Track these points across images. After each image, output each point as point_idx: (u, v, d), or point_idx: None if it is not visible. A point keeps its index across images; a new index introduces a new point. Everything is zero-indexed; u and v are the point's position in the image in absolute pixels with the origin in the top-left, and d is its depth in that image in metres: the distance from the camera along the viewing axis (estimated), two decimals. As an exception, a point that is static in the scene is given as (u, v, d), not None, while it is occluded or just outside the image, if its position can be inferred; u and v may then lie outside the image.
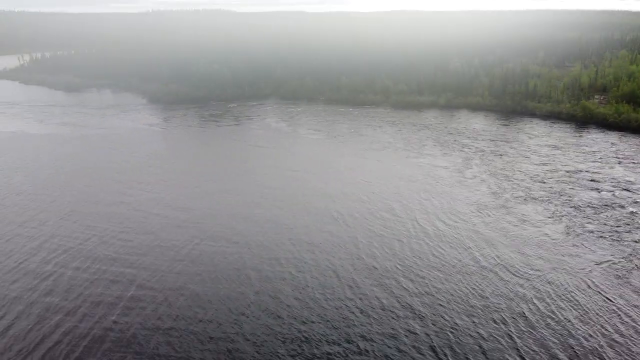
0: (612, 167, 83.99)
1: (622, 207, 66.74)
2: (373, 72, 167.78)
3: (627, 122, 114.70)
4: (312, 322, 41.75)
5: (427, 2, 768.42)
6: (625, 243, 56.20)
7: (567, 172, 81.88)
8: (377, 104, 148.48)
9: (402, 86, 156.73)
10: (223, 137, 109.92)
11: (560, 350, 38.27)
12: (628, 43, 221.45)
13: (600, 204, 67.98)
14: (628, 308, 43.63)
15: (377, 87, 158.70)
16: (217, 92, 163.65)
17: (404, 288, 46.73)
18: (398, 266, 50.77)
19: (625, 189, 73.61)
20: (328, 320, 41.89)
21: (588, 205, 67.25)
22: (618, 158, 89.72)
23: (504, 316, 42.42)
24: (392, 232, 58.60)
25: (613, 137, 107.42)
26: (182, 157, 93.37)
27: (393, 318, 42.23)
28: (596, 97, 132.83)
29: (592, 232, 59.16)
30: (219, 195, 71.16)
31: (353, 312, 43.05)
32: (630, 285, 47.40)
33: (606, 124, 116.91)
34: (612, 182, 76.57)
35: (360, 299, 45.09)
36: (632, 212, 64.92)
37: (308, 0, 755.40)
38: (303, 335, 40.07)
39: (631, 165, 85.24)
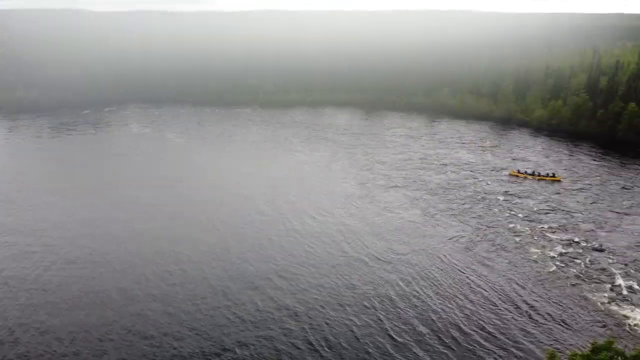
0: (457, 152, 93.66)
1: (465, 186, 74.93)
2: (241, 72, 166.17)
3: (470, 111, 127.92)
4: (186, 336, 40.01)
5: (291, 2, 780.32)
6: (471, 218, 62.68)
7: (421, 158, 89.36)
8: (245, 104, 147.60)
9: (268, 85, 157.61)
10: (78, 147, 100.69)
11: (424, 326, 41.08)
12: (469, 40, 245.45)
13: (448, 185, 75.23)
14: (476, 277, 48.40)
15: (244, 87, 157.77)
16: (71, 98, 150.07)
17: (278, 287, 46.83)
18: (271, 266, 50.73)
19: (467, 170, 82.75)
20: (202, 332, 40.46)
21: (439, 187, 73.97)
22: (463, 143, 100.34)
23: (373, 302, 44.44)
24: (263, 233, 58.41)
25: (459, 125, 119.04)
26: (29, 173, 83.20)
27: (269, 319, 42.08)
28: (445, 89, 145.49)
29: (443, 211, 65.02)
30: (72, 212, 64.54)
31: (228, 319, 42.08)
32: (478, 256, 52.71)
33: (454, 113, 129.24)
34: (457, 165, 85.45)
35: (235, 304, 44.22)
36: (475, 191, 73.00)
37: (171, 0, 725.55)
38: (176, 351, 38.22)
39: (472, 148, 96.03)
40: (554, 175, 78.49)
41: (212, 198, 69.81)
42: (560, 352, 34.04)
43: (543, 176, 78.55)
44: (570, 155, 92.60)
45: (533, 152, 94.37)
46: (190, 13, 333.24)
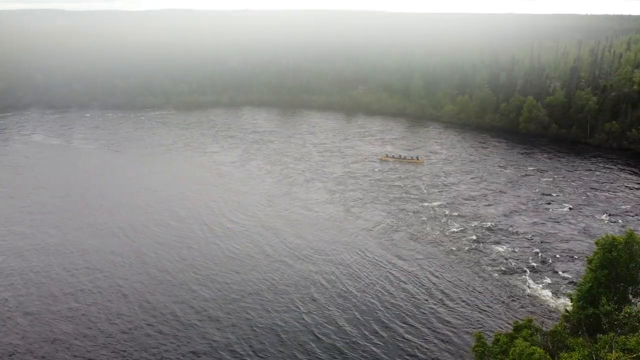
0: (366, 146, 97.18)
1: (369, 175, 78.68)
2: (150, 74, 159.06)
3: (386, 108, 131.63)
4: (100, 355, 37.20)
5: (196, 1, 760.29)
6: (381, 205, 64.70)
7: (335, 154, 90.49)
8: (158, 106, 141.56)
9: (182, 87, 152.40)
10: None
11: (348, 323, 41.39)
12: (380, 39, 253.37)
13: (359, 176, 77.47)
14: (393, 268, 49.72)
15: (156, 89, 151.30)
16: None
17: (199, 295, 45.19)
18: (191, 274, 48.88)
19: (373, 161, 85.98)
20: (119, 350, 37.87)
21: (351, 179, 75.99)
22: (372, 137, 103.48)
23: (296, 302, 44.21)
24: (182, 240, 56.32)
25: (374, 121, 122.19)
26: None
27: (191, 329, 40.36)
28: (360, 87, 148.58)
29: (356, 201, 66.65)
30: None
31: (146, 333, 39.85)
32: (392, 246, 54.24)
33: (370, 111, 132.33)
34: (365, 157, 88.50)
35: (154, 316, 42.04)
36: (378, 179, 76.78)
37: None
38: (88, 374, 35.43)
39: (378, 141, 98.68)
40: (417, 158, 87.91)
41: (123, 205, 66.12)
42: (485, 334, 35.53)
43: (408, 159, 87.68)
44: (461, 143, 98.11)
45: (437, 143, 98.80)
46: (96, 11, 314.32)
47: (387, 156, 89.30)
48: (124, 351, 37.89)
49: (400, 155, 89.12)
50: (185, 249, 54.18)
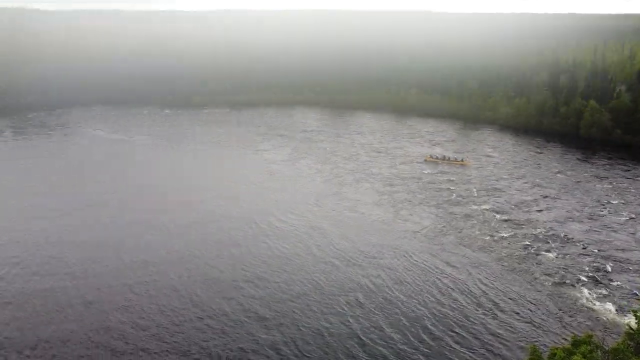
0: (419, 148, 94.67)
1: (417, 176, 77.28)
2: (207, 73, 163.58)
3: (439, 110, 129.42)
4: (154, 347, 38.57)
5: (252, 1, 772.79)
6: (430, 208, 63.28)
7: (385, 156, 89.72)
8: (214, 104, 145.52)
9: (237, 86, 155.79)
10: (43, 151, 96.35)
11: (394, 329, 40.84)
12: (435, 40, 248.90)
13: (410, 178, 76.27)
14: (442, 275, 48.51)
15: (212, 87, 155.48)
16: (32, 100, 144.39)
17: (248, 293, 45.86)
18: (239, 271, 49.72)
19: (422, 163, 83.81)
20: (170, 342, 39.15)
21: (398, 179, 74.76)
22: (425, 140, 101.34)
23: (342, 305, 43.99)
24: (231, 237, 57.34)
25: (427, 123, 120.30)
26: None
27: (238, 326, 41.05)
28: (413, 88, 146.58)
29: (405, 203, 65.51)
30: (36, 224, 61.58)
31: (196, 327, 40.90)
32: (442, 251, 52.91)
33: (423, 113, 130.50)
34: (417, 160, 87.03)
35: (203, 311, 43.07)
36: (426, 181, 75.23)
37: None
38: (141, 364, 36.75)
39: (433, 144, 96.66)
40: (462, 160, 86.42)
41: (176, 202, 68.21)
42: (540, 348, 34.15)
43: (453, 160, 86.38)
44: (532, 150, 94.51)
45: (489, 146, 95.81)
46: (149, 12, 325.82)
47: (431, 157, 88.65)
48: (175, 342, 39.01)
49: (445, 156, 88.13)
50: (235, 246, 55.18)
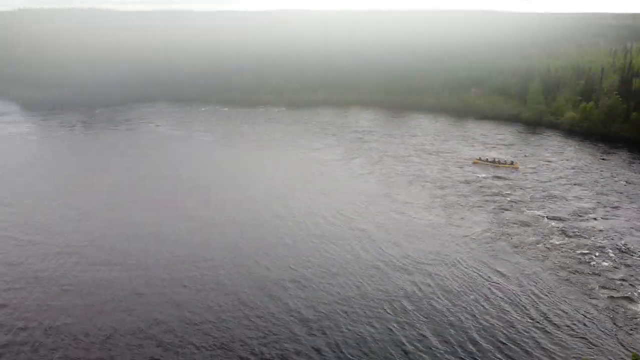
0: (478, 151, 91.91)
1: (469, 180, 73.13)
2: (265, 72, 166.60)
3: (500, 112, 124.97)
4: (199, 341, 39.92)
5: (311, 1, 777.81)
6: (482, 212, 60.91)
7: (442, 157, 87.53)
8: (271, 103, 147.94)
9: (294, 85, 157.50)
10: (108, 146, 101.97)
11: (437, 338, 40.02)
12: (496, 40, 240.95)
13: (459, 179, 74.04)
14: (489, 284, 46.80)
15: (270, 86, 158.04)
16: (102, 97, 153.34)
17: (293, 294, 46.30)
18: (287, 272, 50.17)
19: (480, 167, 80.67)
20: (215, 337, 40.37)
21: (450, 182, 72.45)
22: (487, 143, 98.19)
23: (387, 313, 43.52)
24: (279, 237, 57.90)
25: (486, 126, 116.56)
26: (62, 172, 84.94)
27: (281, 325, 41.61)
28: (473, 90, 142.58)
29: (455, 207, 63.62)
30: (101, 215, 65.12)
31: (241, 324, 41.84)
32: (493, 258, 51.03)
33: (482, 115, 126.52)
34: (467, 160, 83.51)
35: (250, 308, 43.93)
36: (479, 185, 71.52)
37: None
38: (189, 357, 38.00)
39: (502, 148, 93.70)
40: (512, 163, 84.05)
41: (227, 199, 70.00)
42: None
43: (502, 163, 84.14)
44: (597, 157, 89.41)
45: (550, 151, 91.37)
46: (214, 12, 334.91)
47: (480, 159, 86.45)
48: (220, 337, 40.04)
49: (495, 159, 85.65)
50: (283, 245, 55.85)
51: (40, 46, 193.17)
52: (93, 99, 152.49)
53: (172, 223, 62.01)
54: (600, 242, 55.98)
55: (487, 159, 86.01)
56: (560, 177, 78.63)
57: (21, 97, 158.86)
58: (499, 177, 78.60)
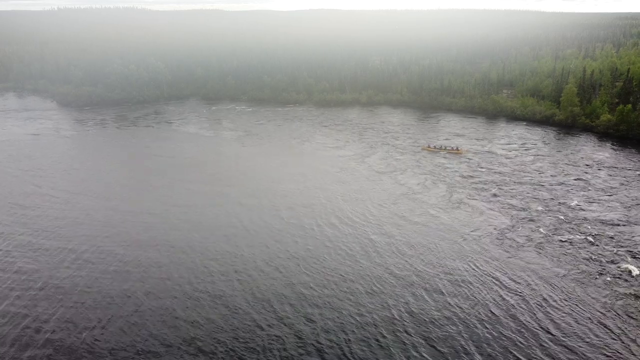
0: (524, 156, 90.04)
1: (492, 181, 71.52)
2: (295, 71, 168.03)
3: (532, 114, 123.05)
4: (209, 344, 40.84)
5: (344, 1, 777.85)
6: (505, 216, 59.26)
7: (465, 158, 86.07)
8: (300, 102, 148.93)
9: (324, 84, 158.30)
10: (139, 144, 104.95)
11: (448, 349, 39.60)
12: (530, 40, 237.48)
13: (479, 180, 72.05)
14: (512, 295, 45.85)
15: (300, 85, 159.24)
16: (134, 94, 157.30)
17: (310, 302, 46.67)
18: (303, 276, 50.60)
19: (538, 172, 79.06)
20: (226, 337, 41.25)
21: (470, 183, 70.77)
22: (519, 145, 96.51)
23: (402, 317, 43.42)
24: (300, 238, 58.18)
25: (519, 128, 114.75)
26: (95, 169, 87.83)
27: (303, 331, 42.04)
28: (504, 91, 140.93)
29: (475, 209, 62.21)
30: (134, 216, 67.05)
31: (257, 325, 42.42)
32: (518, 267, 49.80)
33: (514, 116, 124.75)
34: (502, 163, 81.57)
35: (267, 310, 44.56)
36: (500, 189, 69.46)
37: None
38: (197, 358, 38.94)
39: (534, 151, 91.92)
40: (457, 149, 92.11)
41: (249, 197, 70.67)
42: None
43: (448, 149, 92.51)
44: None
45: (580, 155, 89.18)
46: (245, 12, 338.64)
47: (429, 146, 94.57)
48: (234, 338, 40.59)
49: (441, 146, 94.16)
50: (302, 247, 56.14)
51: (78, 44, 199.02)
52: (126, 96, 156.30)
53: (186, 226, 63.21)
54: (626, 248, 54.02)
55: (435, 146, 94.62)
56: (587, 182, 75.63)
57: (59, 93, 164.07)
58: (525, 184, 76.65)
